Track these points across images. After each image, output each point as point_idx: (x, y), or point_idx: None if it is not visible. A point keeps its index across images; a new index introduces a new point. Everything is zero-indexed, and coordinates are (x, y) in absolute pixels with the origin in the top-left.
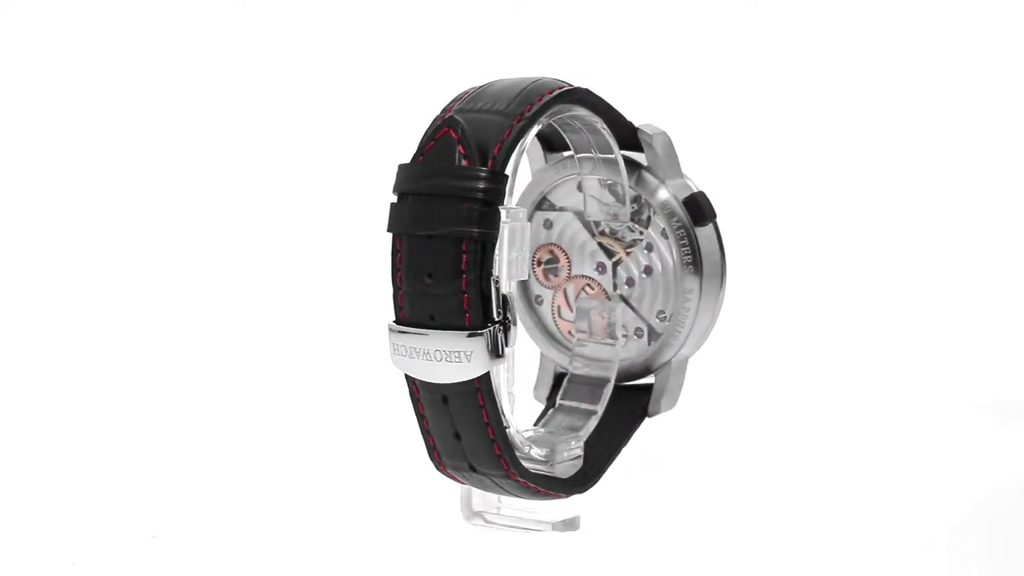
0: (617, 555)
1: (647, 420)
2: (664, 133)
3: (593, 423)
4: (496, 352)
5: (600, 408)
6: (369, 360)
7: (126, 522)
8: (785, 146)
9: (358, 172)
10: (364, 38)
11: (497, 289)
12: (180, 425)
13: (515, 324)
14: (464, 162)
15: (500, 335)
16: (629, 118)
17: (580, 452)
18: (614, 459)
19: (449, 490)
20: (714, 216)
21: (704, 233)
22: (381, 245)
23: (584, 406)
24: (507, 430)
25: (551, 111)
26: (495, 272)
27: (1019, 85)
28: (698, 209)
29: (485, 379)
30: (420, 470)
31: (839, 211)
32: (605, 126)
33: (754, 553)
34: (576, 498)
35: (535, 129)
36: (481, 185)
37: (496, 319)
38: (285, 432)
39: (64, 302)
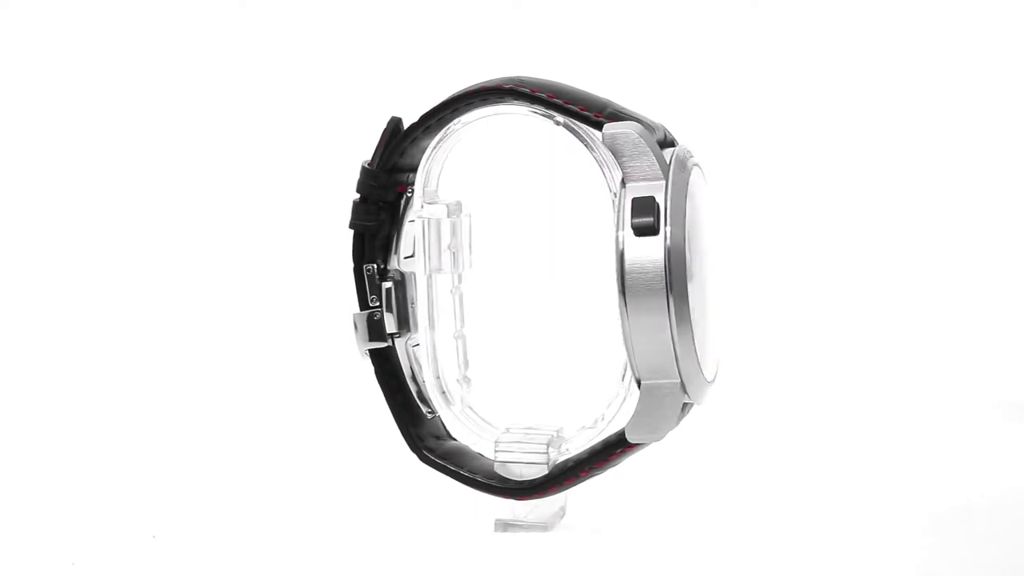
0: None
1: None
2: (620, 131)
3: (581, 438)
4: (370, 336)
5: (597, 423)
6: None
7: (126, 522)
8: (786, 146)
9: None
10: (364, 38)
11: (369, 277)
12: (180, 426)
13: (389, 312)
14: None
15: (380, 320)
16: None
17: (519, 458)
18: (577, 480)
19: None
20: (648, 230)
21: (641, 244)
22: None
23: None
24: (431, 416)
25: (466, 110)
26: (388, 262)
27: (1019, 85)
28: (635, 219)
29: (379, 359)
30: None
31: (840, 212)
32: (562, 122)
33: (764, 557)
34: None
35: (447, 127)
36: (360, 180)
37: (370, 305)
38: (282, 430)
39: (51, 303)
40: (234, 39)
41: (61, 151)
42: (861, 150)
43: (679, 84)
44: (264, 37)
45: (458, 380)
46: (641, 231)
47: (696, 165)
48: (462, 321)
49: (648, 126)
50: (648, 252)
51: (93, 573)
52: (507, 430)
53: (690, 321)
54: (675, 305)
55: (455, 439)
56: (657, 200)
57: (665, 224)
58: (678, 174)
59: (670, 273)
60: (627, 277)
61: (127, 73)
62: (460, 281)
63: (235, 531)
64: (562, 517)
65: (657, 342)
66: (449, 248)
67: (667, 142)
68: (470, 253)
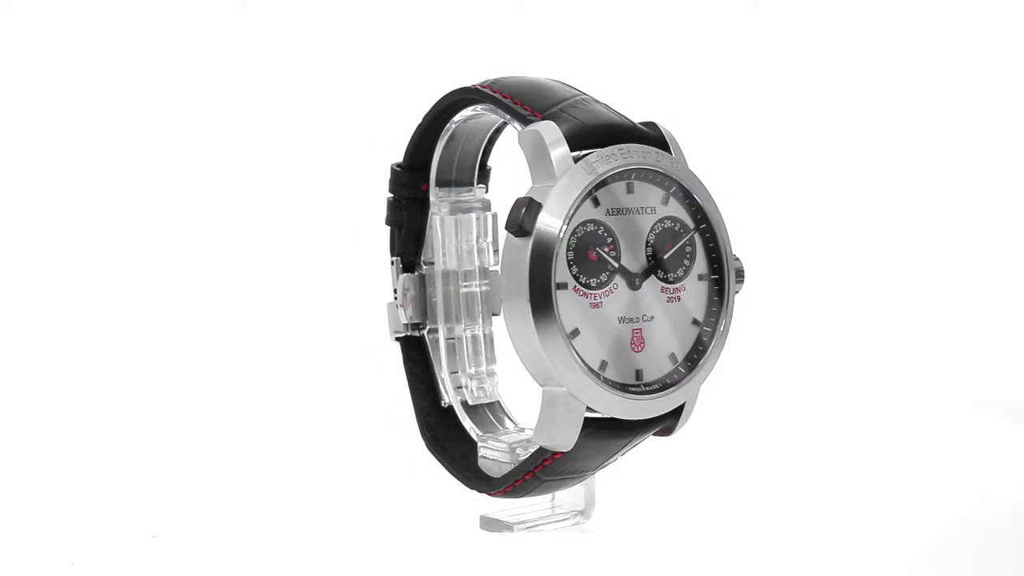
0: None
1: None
2: (527, 131)
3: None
4: (391, 325)
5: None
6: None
7: (126, 522)
8: (785, 146)
9: (356, 174)
10: (363, 39)
11: (394, 270)
12: (181, 425)
13: (400, 306)
14: None
15: (399, 311)
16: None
17: (492, 455)
18: (526, 484)
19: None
20: (517, 229)
21: (516, 245)
22: None
23: None
24: (443, 403)
25: (456, 109)
26: (418, 256)
27: (1019, 85)
28: (508, 217)
29: (408, 346)
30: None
31: (839, 212)
32: (515, 125)
33: (761, 563)
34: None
35: (445, 127)
36: (389, 179)
37: (395, 296)
38: (285, 431)
39: (59, 303)
40: (233, 39)
41: (59, 152)
42: (860, 150)
43: (679, 84)
44: (263, 38)
45: (471, 375)
46: (512, 230)
47: (647, 167)
48: (485, 317)
49: (585, 126)
50: (520, 254)
51: (93, 573)
52: (523, 429)
53: (561, 329)
54: (536, 311)
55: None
56: (536, 200)
57: (533, 225)
58: (578, 175)
59: (531, 277)
60: (504, 274)
61: (125, 74)
62: (483, 277)
63: (234, 531)
64: (578, 520)
65: (530, 348)
66: (455, 244)
67: (648, 140)
68: (493, 252)
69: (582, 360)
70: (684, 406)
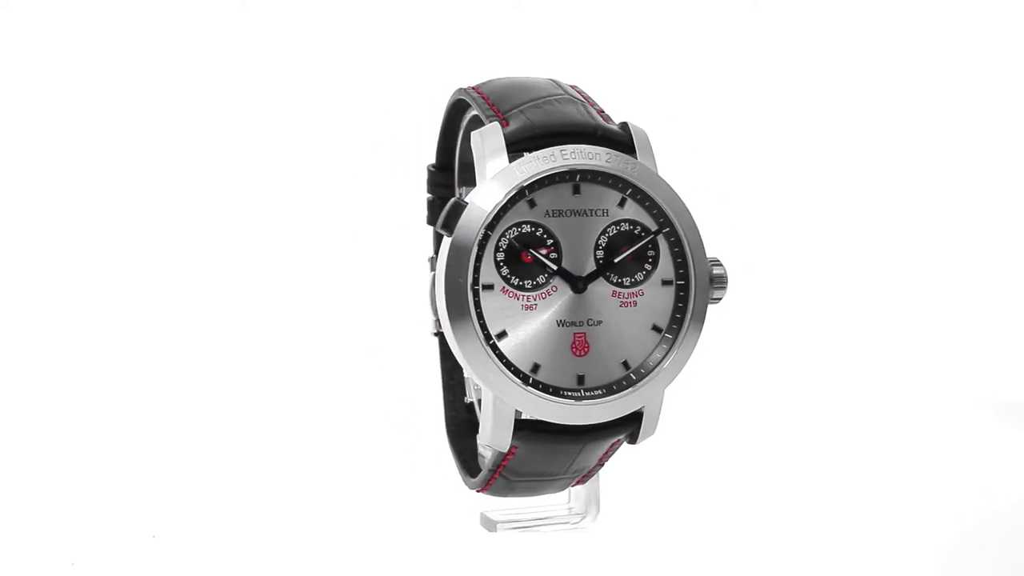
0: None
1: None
2: (473, 134)
3: None
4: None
5: None
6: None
7: (126, 522)
8: (785, 147)
9: (355, 174)
10: (364, 38)
11: (430, 267)
12: (181, 424)
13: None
14: None
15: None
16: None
17: (482, 451)
18: (496, 483)
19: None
20: (443, 231)
21: (443, 245)
22: None
23: None
24: (466, 400)
25: (459, 109)
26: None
27: (1018, 86)
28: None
29: (442, 343)
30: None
31: (841, 212)
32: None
33: (762, 560)
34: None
35: (460, 127)
36: (427, 180)
37: None
38: (286, 429)
39: (66, 302)
40: (233, 39)
41: (64, 154)
42: (865, 149)
43: (678, 84)
44: (263, 38)
45: None
46: (440, 230)
47: (594, 169)
48: None
49: (534, 126)
50: (443, 253)
51: (93, 573)
52: None
53: (478, 330)
54: (451, 311)
55: None
56: (464, 201)
57: (454, 225)
58: (507, 177)
59: (447, 277)
60: (438, 274)
61: (125, 78)
62: None
63: (233, 530)
64: (578, 523)
65: (455, 349)
66: None
67: (615, 141)
68: None
69: (503, 362)
70: (644, 412)
